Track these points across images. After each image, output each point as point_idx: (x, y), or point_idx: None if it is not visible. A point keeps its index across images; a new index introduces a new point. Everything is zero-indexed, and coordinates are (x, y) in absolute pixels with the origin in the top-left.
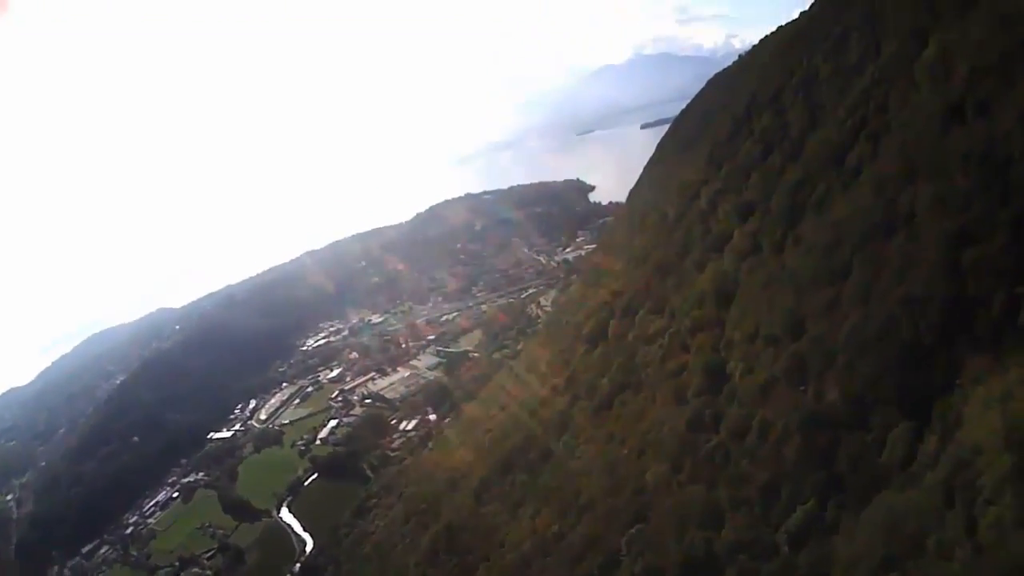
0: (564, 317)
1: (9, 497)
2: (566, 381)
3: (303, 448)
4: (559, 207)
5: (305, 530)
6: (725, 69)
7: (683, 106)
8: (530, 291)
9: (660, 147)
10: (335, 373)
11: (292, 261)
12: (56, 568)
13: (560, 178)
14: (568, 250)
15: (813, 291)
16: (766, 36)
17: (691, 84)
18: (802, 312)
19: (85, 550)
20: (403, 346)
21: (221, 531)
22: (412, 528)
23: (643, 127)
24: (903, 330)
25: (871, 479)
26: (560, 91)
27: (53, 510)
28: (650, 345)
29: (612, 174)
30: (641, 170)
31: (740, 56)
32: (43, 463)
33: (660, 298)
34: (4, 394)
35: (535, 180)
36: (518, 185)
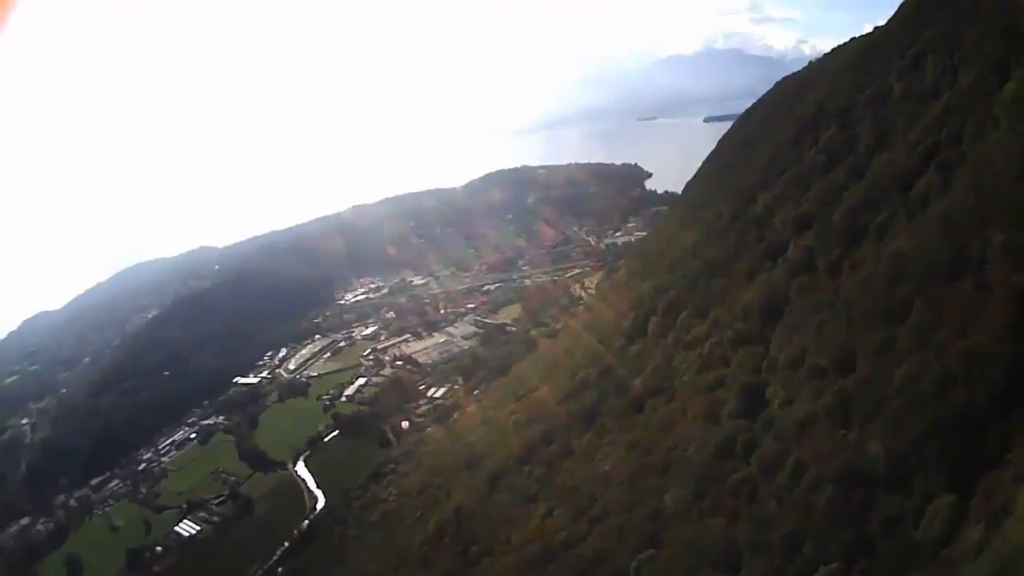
0: (606, 305)
1: (25, 421)
2: (598, 375)
3: (328, 403)
4: (614, 190)
5: (319, 487)
6: (794, 74)
7: (748, 105)
8: (575, 271)
9: (721, 143)
10: (370, 331)
11: (339, 214)
12: (62, 497)
13: (618, 161)
14: (618, 234)
15: (867, 326)
16: (838, 46)
17: (757, 84)
18: (853, 347)
19: (94, 482)
20: (441, 312)
21: (234, 478)
22: (424, 502)
23: (706, 120)
24: (959, 388)
25: (904, 552)
26: (626, 74)
27: (67, 439)
28: (689, 351)
29: (670, 164)
30: (700, 164)
31: (810, 62)
32: (63, 390)
33: (705, 301)
34: (33, 317)
35: (592, 160)
36: (575, 163)
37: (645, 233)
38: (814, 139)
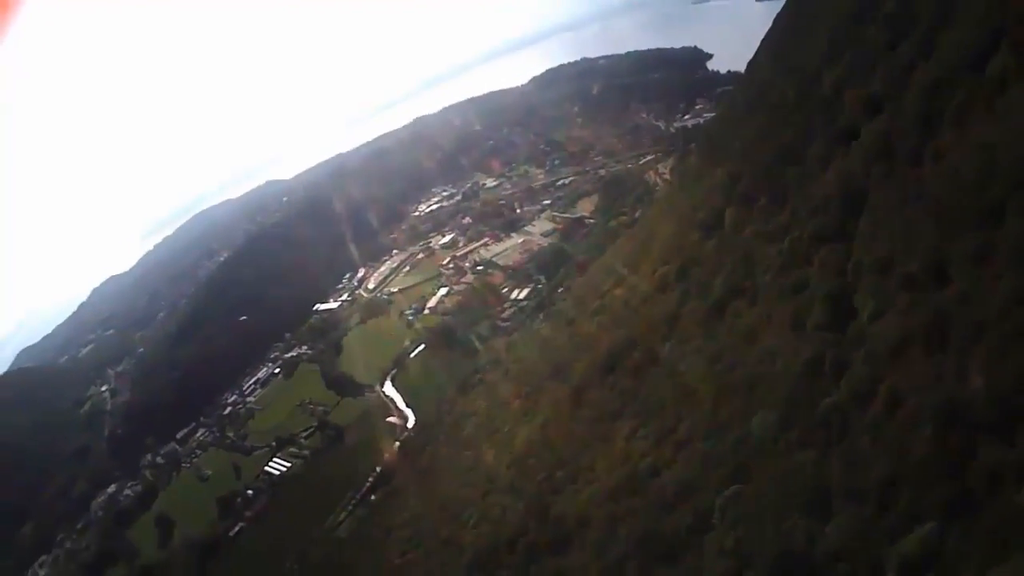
0: (680, 193)
1: (104, 388)
2: (676, 273)
3: (411, 318)
4: (676, 74)
5: (408, 406)
6: None
7: None
8: (648, 157)
9: (777, 20)
10: (447, 239)
11: (404, 127)
12: (149, 457)
13: (676, 45)
14: (687, 117)
15: (960, 229)
16: None
17: None
18: (946, 254)
19: (180, 435)
20: (517, 211)
21: (322, 408)
22: (512, 415)
23: (758, 0)
24: None
25: (1010, 515)
26: None
27: (149, 398)
28: (769, 246)
29: (729, 45)
30: (758, 44)
31: None
32: (141, 350)
33: (781, 188)
34: (102, 283)
35: (651, 47)
36: (634, 51)
37: (713, 114)
38: (874, 15)
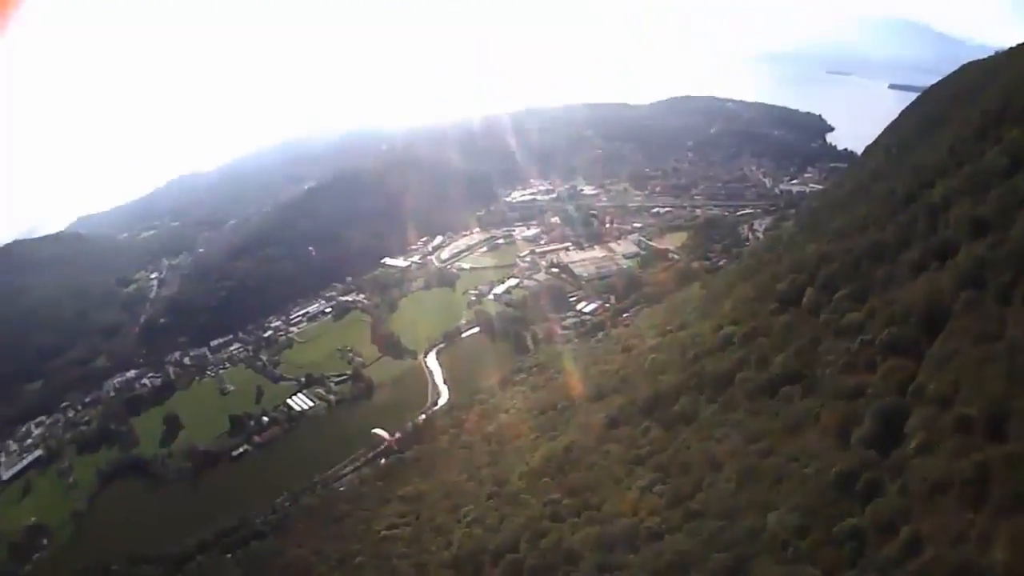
0: (768, 255)
1: (154, 276)
2: (742, 338)
3: (473, 298)
4: (795, 137)
5: (445, 382)
6: (982, 60)
7: (932, 81)
8: (746, 210)
9: (904, 115)
10: (531, 232)
11: (515, 113)
12: (177, 355)
13: (803, 108)
14: (794, 181)
15: None
16: None
17: (942, 62)
18: (1008, 408)
19: (214, 343)
20: (607, 226)
21: (360, 359)
22: (541, 426)
23: (891, 87)
24: None
25: None
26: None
27: (195, 298)
28: (838, 340)
29: (852, 122)
30: (881, 130)
31: (997, 53)
32: (200, 250)
33: (866, 284)
34: (182, 177)
35: (779, 103)
36: (761, 103)
37: (821, 187)
38: (998, 136)
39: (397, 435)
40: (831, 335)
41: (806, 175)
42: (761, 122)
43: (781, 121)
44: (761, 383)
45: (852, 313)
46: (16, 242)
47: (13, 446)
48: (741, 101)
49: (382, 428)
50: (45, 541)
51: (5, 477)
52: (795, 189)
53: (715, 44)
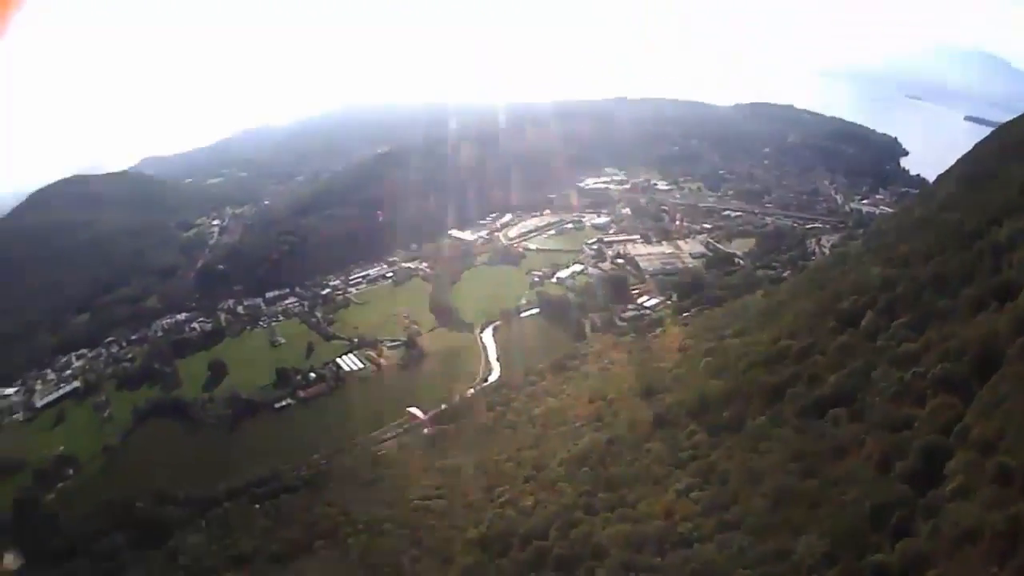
0: (832, 272)
1: (216, 223)
2: (797, 353)
3: (536, 279)
4: (871, 156)
5: (498, 360)
6: None
7: (1008, 117)
8: (815, 224)
9: (978, 149)
10: (601, 221)
11: (603, 101)
12: (231, 302)
13: (879, 129)
14: (865, 201)
15: None
16: None
17: (1020, 100)
18: None
19: (270, 295)
20: (677, 223)
21: (416, 326)
22: (587, 415)
23: (966, 119)
24: None
25: None
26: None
27: (255, 249)
28: (893, 367)
29: (927, 148)
30: (954, 161)
31: None
32: (266, 202)
33: (926, 315)
34: (255, 129)
35: (857, 121)
36: (839, 118)
37: (891, 210)
38: None
39: (432, 413)
40: (885, 362)
41: (877, 196)
42: (837, 137)
43: (856, 138)
44: (811, 401)
45: (908, 343)
46: (78, 176)
47: (51, 375)
48: (819, 114)
49: (418, 406)
50: (71, 471)
51: (39, 404)
52: (865, 209)
53: (796, 56)
